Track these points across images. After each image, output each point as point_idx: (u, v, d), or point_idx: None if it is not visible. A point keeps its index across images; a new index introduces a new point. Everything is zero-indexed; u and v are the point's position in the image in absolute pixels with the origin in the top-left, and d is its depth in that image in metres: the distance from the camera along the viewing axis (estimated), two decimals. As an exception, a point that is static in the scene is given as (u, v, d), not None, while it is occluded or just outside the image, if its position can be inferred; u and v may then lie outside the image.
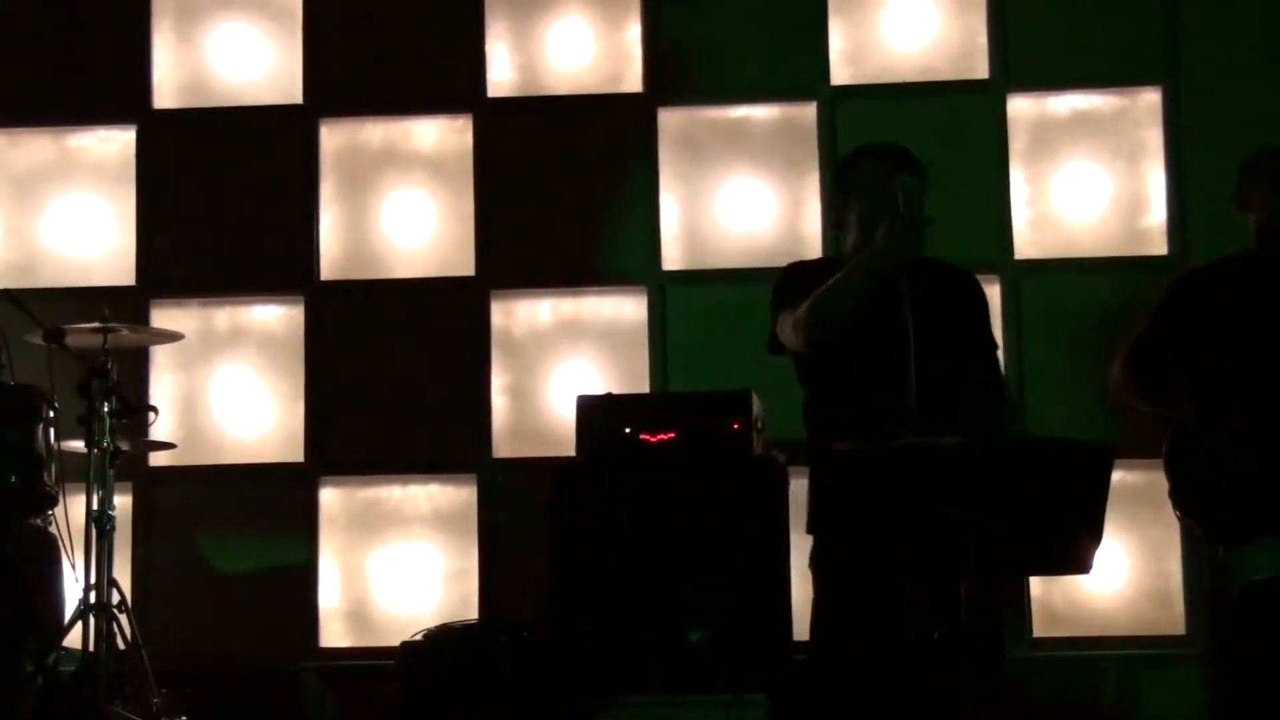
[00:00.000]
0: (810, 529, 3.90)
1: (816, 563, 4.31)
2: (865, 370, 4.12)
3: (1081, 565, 3.54)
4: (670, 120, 6.71)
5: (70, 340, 5.45)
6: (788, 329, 4.25)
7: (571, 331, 6.67)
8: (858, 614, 4.02)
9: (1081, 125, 6.59)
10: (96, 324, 5.56)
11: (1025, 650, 6.15)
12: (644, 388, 6.46)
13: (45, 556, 5.42)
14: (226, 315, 6.77)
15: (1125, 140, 6.56)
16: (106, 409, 5.42)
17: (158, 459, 6.56)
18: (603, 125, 6.70)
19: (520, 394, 6.63)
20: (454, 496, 6.61)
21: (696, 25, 6.69)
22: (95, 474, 5.41)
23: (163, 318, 6.65)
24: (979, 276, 4.58)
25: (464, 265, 6.68)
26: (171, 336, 6.12)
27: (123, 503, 6.05)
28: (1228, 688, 4.32)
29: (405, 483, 6.63)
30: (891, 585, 3.90)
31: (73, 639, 5.34)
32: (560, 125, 6.71)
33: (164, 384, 6.67)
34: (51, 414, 5.44)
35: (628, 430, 5.53)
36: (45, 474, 5.39)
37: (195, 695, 5.59)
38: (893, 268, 4.02)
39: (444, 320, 6.65)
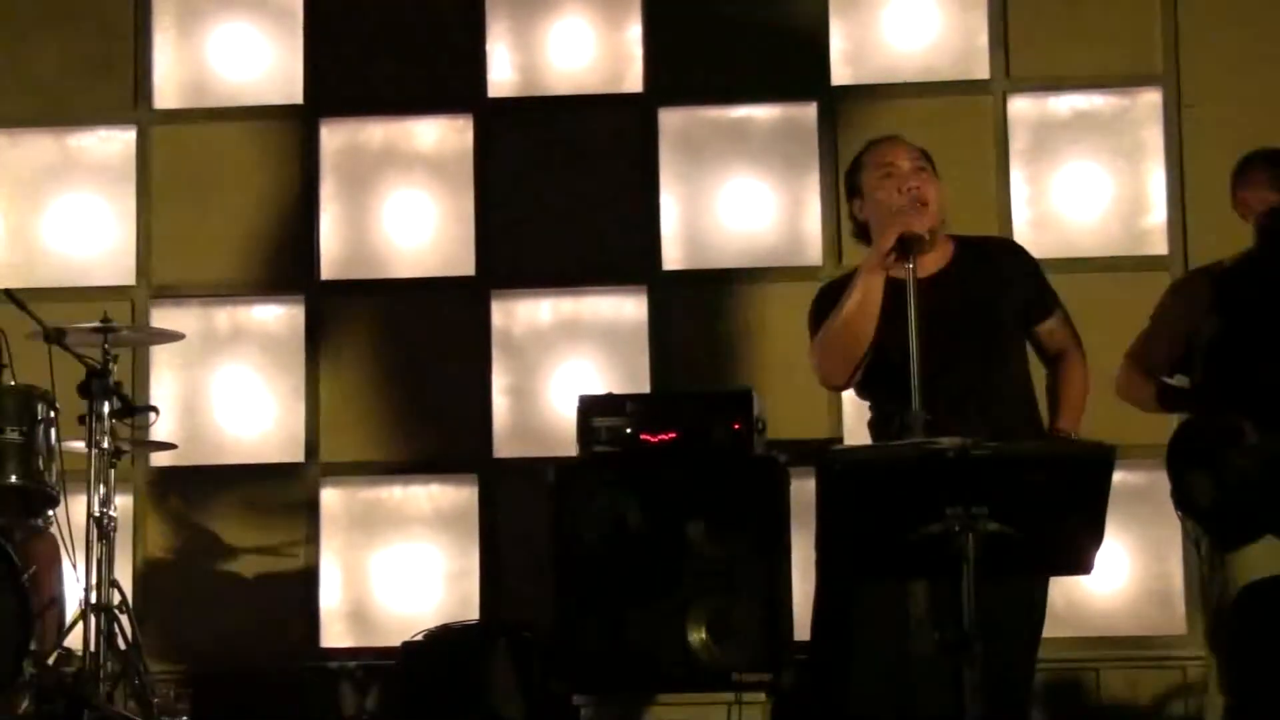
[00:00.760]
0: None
1: (817, 563, 4.29)
2: (886, 377, 4.05)
3: (1082, 566, 3.54)
4: (670, 120, 6.71)
5: (70, 340, 5.45)
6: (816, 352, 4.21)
7: (571, 331, 6.67)
8: (858, 614, 4.02)
9: (1082, 125, 6.59)
10: (96, 324, 5.56)
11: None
12: (644, 388, 6.46)
13: (51, 557, 5.42)
14: (227, 315, 6.77)
15: (1125, 140, 6.57)
16: (107, 409, 5.41)
17: (158, 459, 6.56)
18: (603, 125, 6.70)
19: (521, 394, 6.63)
20: (455, 496, 6.61)
21: (697, 25, 6.69)
22: (96, 474, 5.41)
23: (163, 318, 6.65)
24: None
25: (464, 265, 6.69)
26: (171, 336, 6.11)
27: (123, 503, 6.05)
28: (1230, 687, 4.32)
29: (406, 483, 6.63)
30: (892, 585, 3.89)
31: (73, 639, 5.34)
32: (560, 125, 6.71)
33: (164, 384, 6.67)
34: (52, 414, 5.44)
35: (628, 430, 5.53)
36: (46, 474, 5.39)
37: (195, 695, 5.60)
38: (886, 270, 3.97)
39: (444, 320, 6.65)
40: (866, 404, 4.25)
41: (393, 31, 6.80)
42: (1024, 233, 6.49)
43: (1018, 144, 6.57)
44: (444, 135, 6.80)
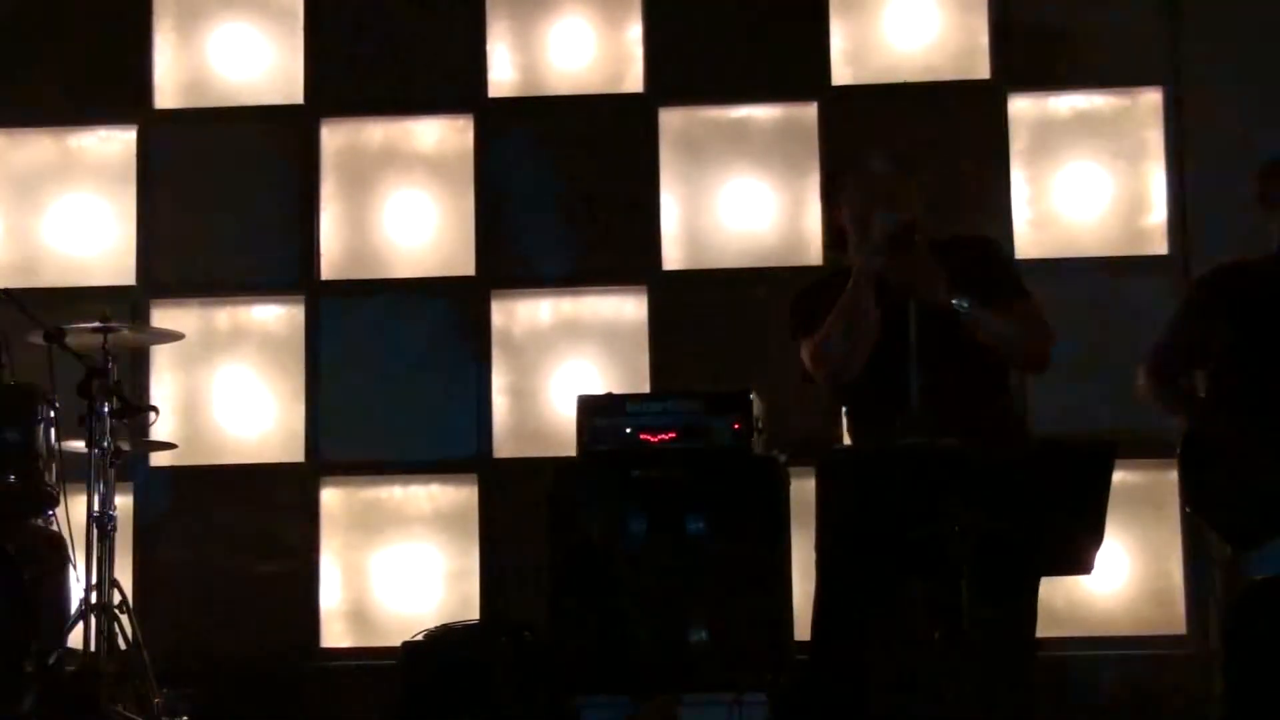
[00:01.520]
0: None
1: (818, 562, 4.29)
2: (873, 377, 4.06)
3: (1082, 565, 3.54)
4: (670, 120, 6.71)
5: (70, 340, 5.45)
6: (805, 363, 4.21)
7: (571, 331, 6.67)
8: (858, 614, 4.02)
9: (1082, 125, 6.59)
10: (96, 324, 5.55)
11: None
12: (644, 388, 6.46)
13: (54, 557, 5.42)
14: (227, 315, 6.77)
15: (1126, 140, 6.56)
16: (107, 409, 5.42)
17: (158, 459, 6.55)
18: (603, 125, 6.70)
19: (520, 394, 6.63)
20: (454, 496, 6.61)
21: (697, 25, 6.69)
22: (96, 474, 5.41)
23: (163, 318, 6.65)
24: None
25: (464, 265, 6.69)
26: (171, 336, 6.12)
27: (123, 503, 6.05)
28: (1232, 687, 4.32)
29: (406, 483, 6.63)
30: (891, 585, 3.90)
31: (74, 639, 5.34)
32: (561, 125, 6.71)
33: (164, 384, 6.67)
34: (52, 414, 5.44)
35: (628, 430, 5.53)
36: (46, 474, 5.39)
37: (196, 695, 5.60)
38: (875, 282, 3.99)
39: (444, 320, 6.65)
40: (843, 408, 4.29)
41: (393, 31, 6.79)
42: (1024, 233, 6.50)
43: (1018, 144, 6.57)
44: (444, 135, 6.80)
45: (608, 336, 6.65)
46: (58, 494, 5.45)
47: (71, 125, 6.87)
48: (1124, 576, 6.31)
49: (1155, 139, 6.53)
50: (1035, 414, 6.30)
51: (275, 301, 6.76)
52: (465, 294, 6.65)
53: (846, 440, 4.51)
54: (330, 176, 6.78)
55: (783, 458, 5.47)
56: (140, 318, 6.52)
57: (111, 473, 5.46)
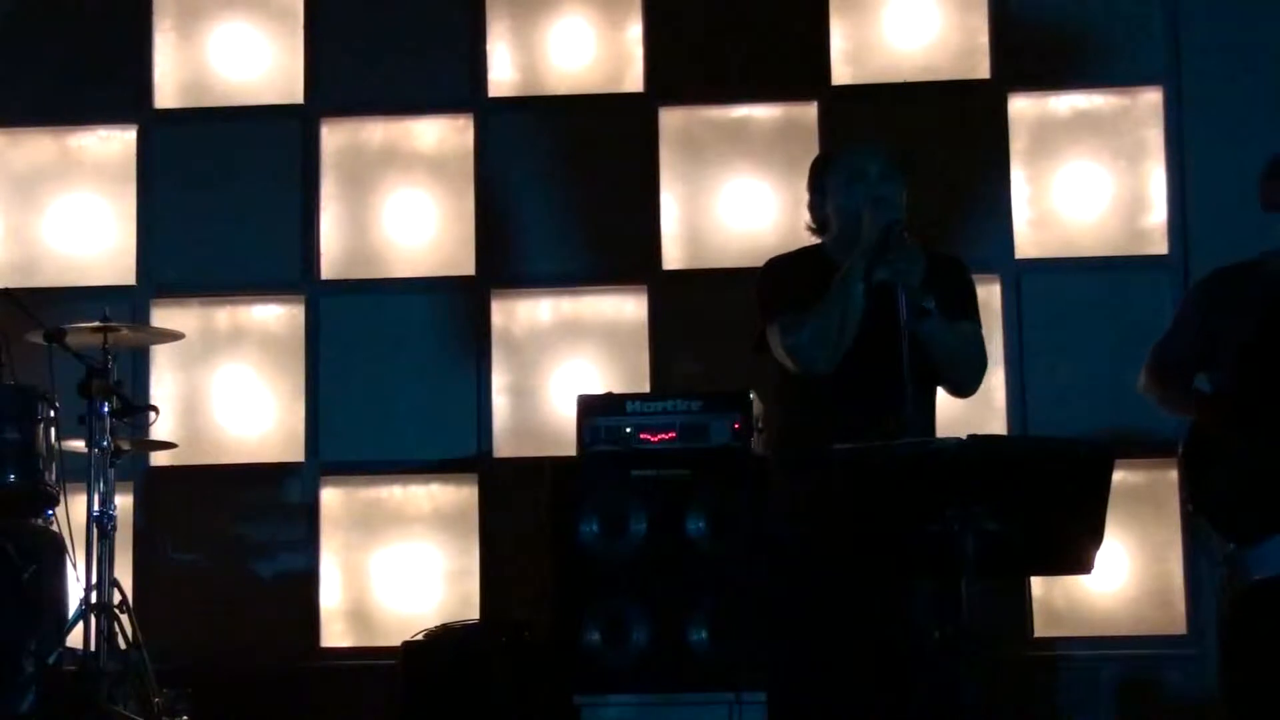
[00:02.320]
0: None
1: (818, 562, 4.29)
2: (844, 380, 4.04)
3: (1083, 565, 3.54)
4: (670, 120, 6.71)
5: (70, 340, 5.45)
6: (777, 344, 4.18)
7: (571, 331, 6.67)
8: (858, 614, 4.02)
9: (1082, 125, 6.59)
10: (97, 323, 5.56)
11: (1025, 650, 6.15)
12: (644, 388, 6.46)
13: (51, 556, 5.42)
14: (227, 315, 6.77)
15: (1126, 140, 6.56)
16: (107, 409, 5.42)
17: (158, 458, 6.56)
18: (603, 125, 6.70)
19: (520, 394, 6.63)
20: (454, 496, 6.61)
21: (697, 25, 6.69)
22: (96, 473, 5.41)
23: (163, 317, 6.65)
24: (979, 275, 4.50)
25: (464, 265, 6.69)
26: (172, 336, 6.12)
27: (123, 502, 6.05)
28: (1232, 686, 4.32)
29: (406, 483, 6.63)
30: (891, 585, 3.90)
31: (74, 638, 5.34)
32: (561, 125, 6.71)
33: (164, 383, 6.68)
34: (52, 414, 5.44)
35: (628, 430, 5.53)
36: (46, 474, 5.39)
37: (195, 695, 5.60)
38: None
39: (444, 320, 6.65)
40: (777, 410, 4.30)
41: (393, 31, 6.80)
42: (1024, 232, 6.50)
43: (1018, 144, 6.57)
44: (444, 135, 6.80)
45: (608, 336, 6.65)
46: (58, 494, 5.46)
47: (71, 125, 6.88)
48: (1124, 576, 6.31)
49: (1155, 139, 6.53)
50: (1035, 413, 6.31)
51: (275, 301, 6.76)
52: (465, 294, 6.65)
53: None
54: (330, 176, 6.78)
55: (783, 457, 5.46)
56: (140, 318, 6.53)
57: (111, 473, 5.46)
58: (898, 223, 3.97)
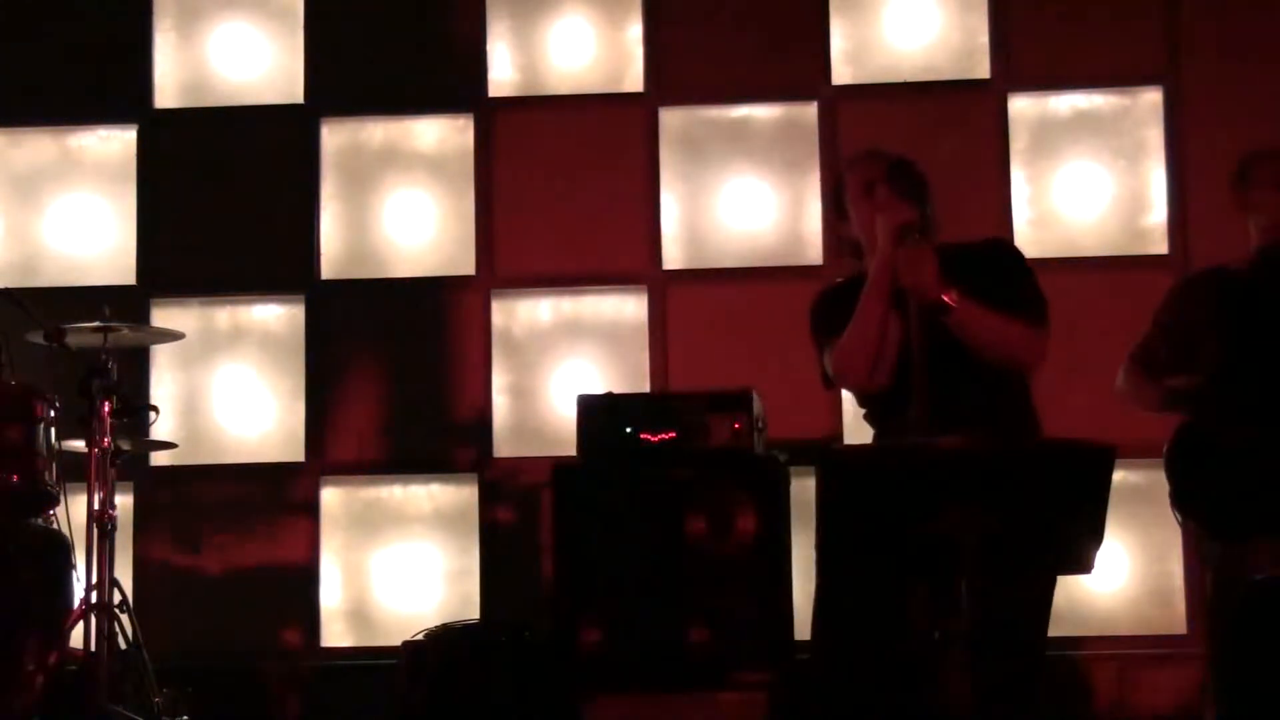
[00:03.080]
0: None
1: (817, 562, 4.29)
2: (904, 388, 4.06)
3: (1083, 565, 3.54)
4: (671, 120, 6.71)
5: (70, 340, 5.44)
6: (828, 370, 4.22)
7: (572, 331, 6.68)
8: (859, 613, 4.02)
9: (1082, 125, 6.59)
10: (97, 323, 5.55)
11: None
12: (644, 388, 6.46)
13: (56, 556, 5.41)
14: (227, 315, 6.77)
15: (1126, 140, 6.57)
16: (107, 408, 5.41)
17: (158, 458, 6.56)
18: (603, 125, 6.70)
19: (521, 394, 6.63)
20: (455, 496, 6.61)
21: (697, 25, 6.69)
22: (96, 474, 5.41)
23: (163, 317, 6.65)
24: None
25: (464, 265, 6.69)
26: (172, 336, 6.11)
27: (124, 502, 6.05)
28: (1230, 687, 4.32)
29: (406, 482, 6.63)
30: (892, 585, 3.90)
31: (74, 639, 5.34)
32: (561, 125, 6.71)
33: (164, 383, 6.68)
34: (52, 414, 5.44)
35: (628, 430, 5.53)
36: (46, 474, 5.39)
37: (196, 695, 5.59)
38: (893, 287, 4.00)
39: (444, 320, 6.65)
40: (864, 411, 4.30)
41: (393, 31, 6.80)
42: (1024, 233, 6.50)
43: (1018, 144, 6.58)
44: (444, 135, 6.81)
45: (608, 336, 6.65)
46: (58, 494, 5.45)
47: (71, 125, 6.88)
48: (1124, 576, 6.31)
49: (1155, 139, 6.53)
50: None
51: (275, 301, 6.76)
52: (465, 294, 6.65)
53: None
54: (330, 176, 6.78)
55: (783, 458, 5.47)
56: (141, 317, 6.52)
57: (111, 472, 5.46)
58: (907, 225, 3.96)
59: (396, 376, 6.62)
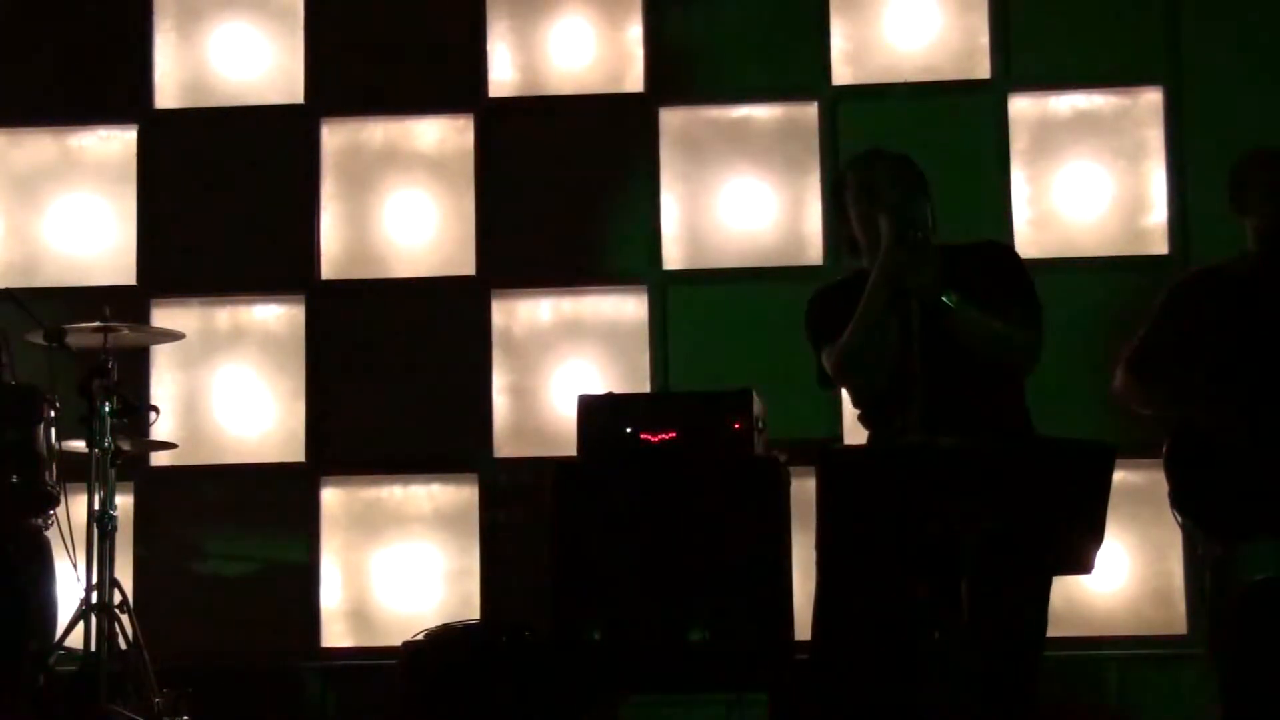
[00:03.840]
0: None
1: (818, 562, 4.29)
2: (903, 387, 4.07)
3: (1083, 565, 3.54)
4: (671, 120, 6.71)
5: (71, 340, 5.45)
6: (828, 371, 4.22)
7: (572, 331, 6.68)
8: (859, 613, 4.02)
9: (1082, 125, 6.59)
10: (97, 323, 5.56)
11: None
12: (644, 388, 6.46)
13: (37, 558, 5.41)
14: (227, 315, 6.77)
15: (1126, 140, 6.56)
16: (107, 409, 5.42)
17: (158, 459, 6.56)
18: (603, 125, 6.70)
19: (521, 393, 6.63)
20: (455, 496, 6.61)
21: (697, 25, 6.69)
22: (96, 474, 5.41)
23: (163, 317, 6.65)
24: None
25: (464, 265, 6.69)
26: (172, 336, 6.11)
27: (124, 502, 6.05)
28: (1230, 688, 4.31)
29: (406, 482, 6.63)
30: (893, 585, 3.90)
31: (74, 639, 5.34)
32: (561, 125, 6.71)
33: (165, 383, 6.68)
34: (52, 414, 5.44)
35: (628, 430, 5.53)
36: (46, 474, 5.40)
37: (196, 695, 5.59)
38: (899, 290, 4.00)
39: (444, 320, 6.65)
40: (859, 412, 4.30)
41: (393, 31, 6.80)
42: (1024, 233, 6.50)
43: (1018, 144, 6.57)
44: (444, 135, 6.81)
45: (608, 336, 6.65)
46: (58, 494, 5.46)
47: (71, 125, 6.88)
48: (1124, 576, 6.31)
49: (1155, 139, 6.53)
50: (1035, 413, 6.30)
51: (275, 301, 6.76)
52: (465, 294, 6.65)
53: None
54: (330, 176, 6.78)
55: (783, 458, 5.47)
56: (141, 317, 6.52)
57: (111, 473, 5.46)
58: (910, 226, 3.97)
59: (397, 376, 6.62)
